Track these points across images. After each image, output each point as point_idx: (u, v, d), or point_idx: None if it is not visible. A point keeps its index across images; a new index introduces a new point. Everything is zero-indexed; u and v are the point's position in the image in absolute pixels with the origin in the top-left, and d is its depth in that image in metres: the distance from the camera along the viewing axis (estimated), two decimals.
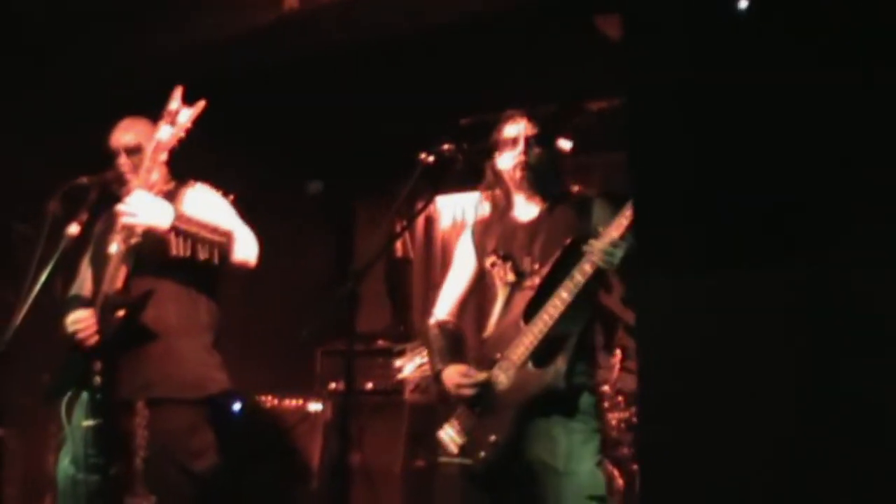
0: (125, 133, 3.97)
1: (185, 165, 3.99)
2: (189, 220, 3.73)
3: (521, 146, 3.57)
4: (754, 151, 1.77)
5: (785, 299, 1.71)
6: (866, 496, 1.60)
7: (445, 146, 3.53)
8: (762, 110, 1.76)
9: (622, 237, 3.23)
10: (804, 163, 1.73)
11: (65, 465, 3.87)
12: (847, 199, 1.68)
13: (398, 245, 7.52)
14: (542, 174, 3.59)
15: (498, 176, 3.67)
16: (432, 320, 3.78)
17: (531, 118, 3.60)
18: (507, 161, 3.61)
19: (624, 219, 3.23)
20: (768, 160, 1.76)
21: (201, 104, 3.80)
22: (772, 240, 1.73)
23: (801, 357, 1.69)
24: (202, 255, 3.74)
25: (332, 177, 7.63)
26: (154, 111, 3.87)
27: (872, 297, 1.62)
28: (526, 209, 3.65)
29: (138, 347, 3.79)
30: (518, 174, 3.59)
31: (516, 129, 3.59)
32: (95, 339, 3.73)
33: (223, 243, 3.79)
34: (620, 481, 5.11)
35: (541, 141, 3.58)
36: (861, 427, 1.61)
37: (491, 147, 3.65)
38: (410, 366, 5.69)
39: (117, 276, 3.74)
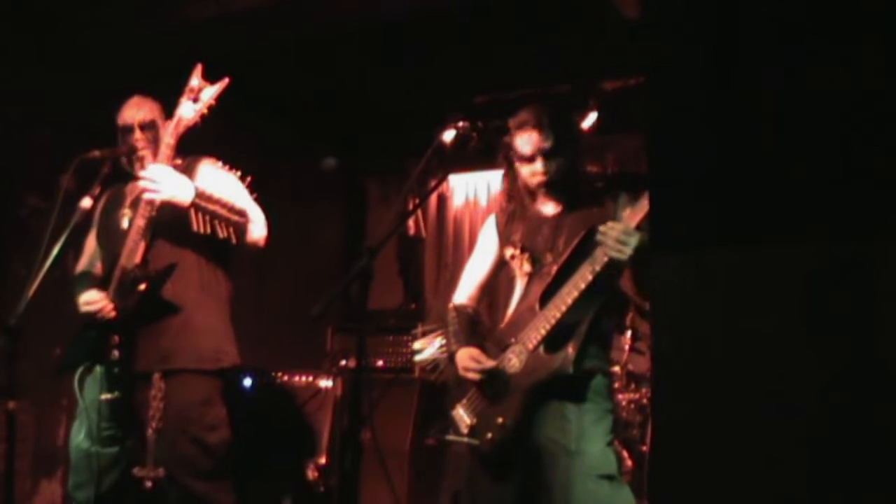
0: (139, 109, 3.98)
1: (197, 140, 3.99)
2: (209, 198, 3.76)
3: (538, 164, 3.50)
4: (775, 127, 1.75)
5: (804, 276, 1.69)
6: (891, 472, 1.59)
7: (460, 124, 3.50)
8: (787, 87, 1.75)
9: (637, 227, 3.19)
10: (825, 139, 1.72)
11: (79, 439, 3.89)
12: (868, 176, 1.67)
13: (411, 223, 7.53)
14: (563, 183, 3.54)
15: (518, 181, 3.63)
16: (451, 304, 3.78)
17: (540, 127, 3.48)
18: (527, 174, 3.55)
19: (640, 209, 3.20)
20: (789, 136, 1.75)
21: (225, 81, 3.83)
22: (791, 216, 1.72)
23: (821, 334, 1.68)
24: (221, 233, 3.78)
25: (345, 154, 7.63)
26: (169, 87, 3.88)
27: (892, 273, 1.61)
28: (550, 205, 3.61)
29: (157, 320, 3.81)
30: (541, 190, 3.56)
31: (529, 143, 3.49)
32: (113, 314, 3.75)
33: (240, 223, 3.83)
34: (630, 462, 5.12)
35: (556, 152, 3.50)
36: (886, 401, 1.61)
37: (504, 127, 3.60)
38: (430, 349, 5.69)
39: (137, 251, 3.76)
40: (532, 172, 3.53)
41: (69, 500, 4.00)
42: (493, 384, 3.45)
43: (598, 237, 3.26)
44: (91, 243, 4.17)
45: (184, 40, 5.37)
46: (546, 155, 3.49)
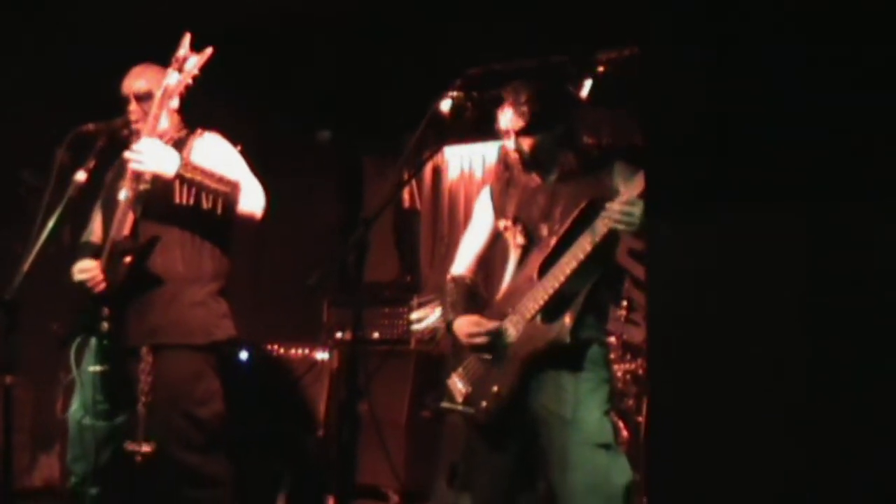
0: (136, 79, 3.96)
1: (196, 115, 3.98)
2: (195, 169, 3.74)
3: (511, 142, 3.53)
4: (772, 94, 1.75)
5: (801, 242, 1.69)
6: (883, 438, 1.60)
7: (455, 94, 3.50)
8: (781, 49, 1.74)
9: (640, 195, 3.19)
10: (818, 96, 1.71)
11: (75, 412, 3.90)
12: (864, 137, 1.66)
13: (405, 196, 7.52)
14: (540, 161, 3.55)
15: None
16: (450, 275, 3.78)
17: (515, 105, 3.48)
18: (509, 148, 3.59)
19: (639, 182, 3.20)
20: (781, 96, 1.74)
21: (208, 51, 3.81)
22: (788, 182, 1.72)
23: (818, 299, 1.68)
24: (206, 204, 3.76)
25: (342, 130, 7.62)
26: (165, 61, 3.86)
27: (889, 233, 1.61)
28: (536, 177, 3.61)
29: (145, 294, 3.81)
30: (518, 164, 3.58)
31: (504, 120, 3.52)
32: (103, 286, 3.75)
33: (228, 193, 3.80)
34: (625, 432, 5.14)
35: (530, 131, 3.50)
36: (875, 367, 1.61)
37: (500, 97, 3.60)
38: (427, 319, 5.70)
39: (125, 223, 3.76)
40: (510, 146, 3.55)
41: (68, 473, 4.02)
42: (493, 350, 3.46)
43: (603, 208, 3.27)
44: (95, 214, 4.17)
45: (180, 15, 5.33)
46: (518, 134, 3.51)
